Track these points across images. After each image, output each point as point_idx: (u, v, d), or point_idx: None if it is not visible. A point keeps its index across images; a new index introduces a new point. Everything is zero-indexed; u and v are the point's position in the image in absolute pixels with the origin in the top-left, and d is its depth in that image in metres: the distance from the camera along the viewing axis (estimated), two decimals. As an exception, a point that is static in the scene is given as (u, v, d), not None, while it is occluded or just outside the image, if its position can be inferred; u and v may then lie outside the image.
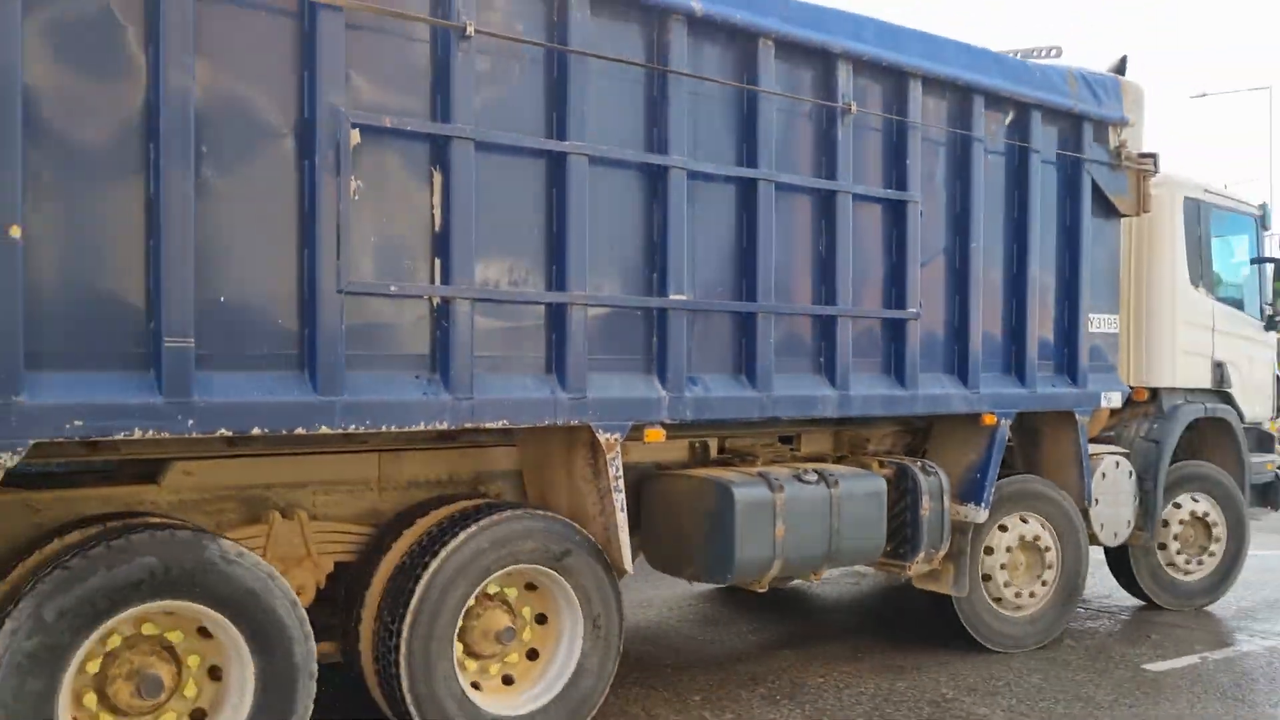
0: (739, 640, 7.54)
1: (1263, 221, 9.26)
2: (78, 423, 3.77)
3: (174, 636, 4.22)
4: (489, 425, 4.76)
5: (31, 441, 3.68)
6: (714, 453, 6.44)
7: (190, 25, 3.94)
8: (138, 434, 3.89)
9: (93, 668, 4.04)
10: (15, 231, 3.62)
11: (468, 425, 4.70)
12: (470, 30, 4.58)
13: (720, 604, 8.55)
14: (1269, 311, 9.18)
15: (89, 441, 4.08)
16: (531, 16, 4.89)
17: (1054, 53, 8.15)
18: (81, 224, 3.85)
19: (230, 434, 4.13)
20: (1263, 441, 9.23)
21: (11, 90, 3.61)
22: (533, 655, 5.25)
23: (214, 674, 4.30)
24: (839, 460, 6.78)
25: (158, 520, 4.38)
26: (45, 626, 3.79)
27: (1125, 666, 6.99)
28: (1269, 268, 9.20)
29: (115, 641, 4.09)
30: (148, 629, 4.15)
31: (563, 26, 4.93)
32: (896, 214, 6.31)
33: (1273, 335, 9.28)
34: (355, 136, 4.34)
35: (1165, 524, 8.33)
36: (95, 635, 3.92)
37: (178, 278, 3.95)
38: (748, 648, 7.35)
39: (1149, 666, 7.00)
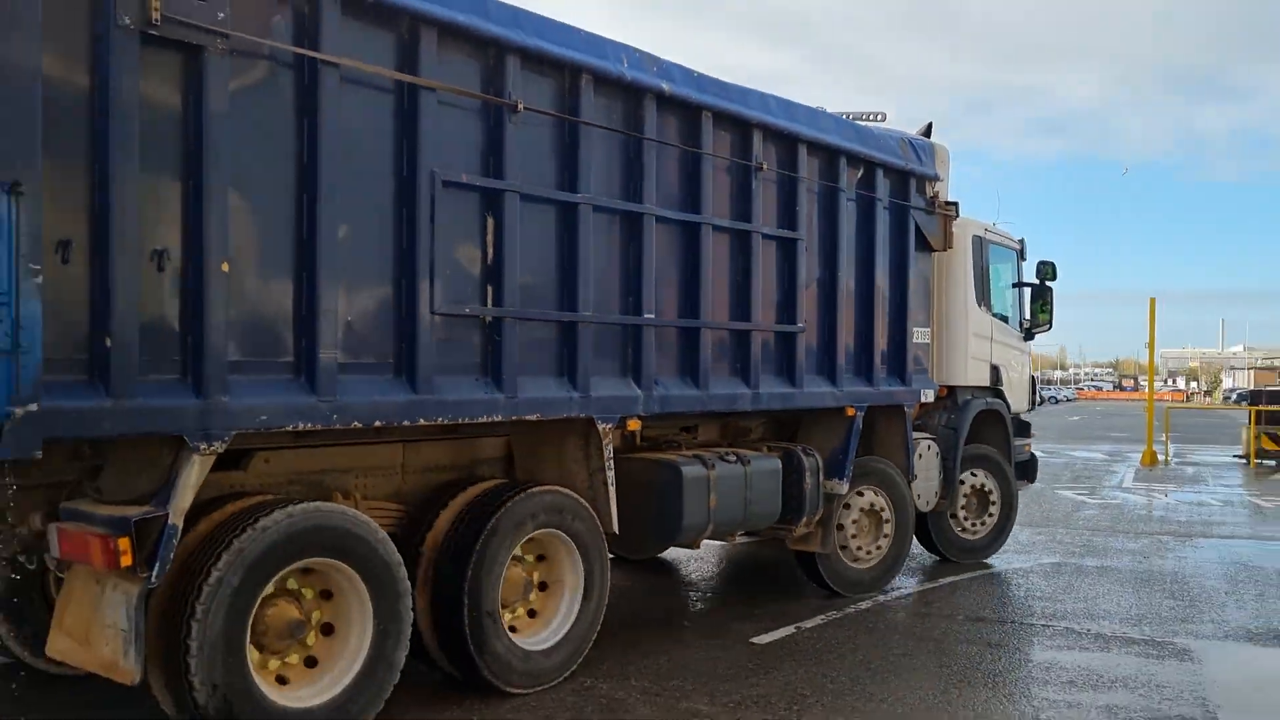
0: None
1: (1021, 254, 11.70)
2: (263, 418, 4.76)
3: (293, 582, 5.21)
4: (529, 418, 5.99)
5: (235, 432, 4.64)
6: (638, 440, 7.87)
7: (336, 101, 4.99)
8: (302, 426, 4.90)
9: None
10: (225, 266, 4.58)
11: (513, 418, 5.91)
12: (521, 106, 5.81)
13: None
14: (1027, 325, 11.65)
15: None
16: (551, 94, 6.16)
17: (879, 117, 10.12)
18: (257, 257, 4.83)
19: (360, 426, 5.17)
20: (1022, 429, 11.67)
21: (223, 155, 4.57)
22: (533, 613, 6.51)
23: (324, 594, 5.33)
24: (729, 446, 8.34)
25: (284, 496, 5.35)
26: (243, 574, 4.75)
27: (739, 642, 7.53)
28: (1026, 290, 11.67)
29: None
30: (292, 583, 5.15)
31: (574, 102, 6.23)
32: (789, 250, 7.97)
33: (1030, 344, 11.76)
34: (440, 189, 5.49)
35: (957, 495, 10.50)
36: (274, 580, 4.91)
37: (328, 301, 4.98)
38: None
39: (756, 640, 7.57)
